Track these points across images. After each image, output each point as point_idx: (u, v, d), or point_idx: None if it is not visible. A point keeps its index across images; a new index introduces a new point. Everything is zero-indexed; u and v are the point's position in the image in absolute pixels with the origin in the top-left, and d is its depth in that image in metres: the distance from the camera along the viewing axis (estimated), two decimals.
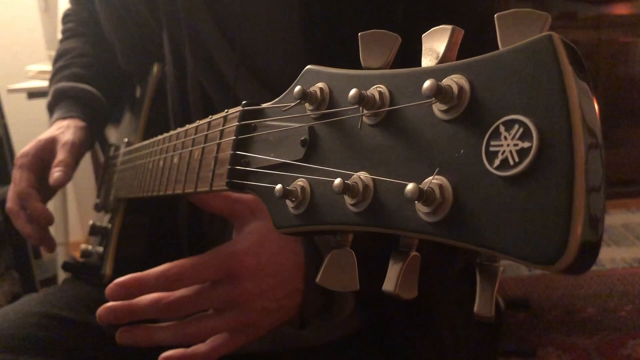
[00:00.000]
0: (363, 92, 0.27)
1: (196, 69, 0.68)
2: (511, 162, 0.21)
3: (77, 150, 0.80)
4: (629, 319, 1.55)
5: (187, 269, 0.47)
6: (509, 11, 0.24)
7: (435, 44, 0.27)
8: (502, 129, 0.22)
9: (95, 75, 0.90)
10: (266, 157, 0.34)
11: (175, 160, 0.51)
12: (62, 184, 0.75)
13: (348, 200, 0.27)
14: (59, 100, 0.86)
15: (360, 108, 0.28)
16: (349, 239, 0.30)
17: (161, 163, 0.56)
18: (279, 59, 0.65)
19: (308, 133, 0.31)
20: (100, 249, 0.82)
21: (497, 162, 0.22)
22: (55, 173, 0.75)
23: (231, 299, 0.48)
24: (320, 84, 0.31)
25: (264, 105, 0.36)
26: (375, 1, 0.58)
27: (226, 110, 0.41)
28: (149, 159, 0.61)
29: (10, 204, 0.79)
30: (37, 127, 2.59)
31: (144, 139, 0.76)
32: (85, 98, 0.87)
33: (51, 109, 0.88)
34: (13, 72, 2.55)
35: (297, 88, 0.31)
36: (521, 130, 0.21)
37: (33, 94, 2.24)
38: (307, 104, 0.31)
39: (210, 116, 0.44)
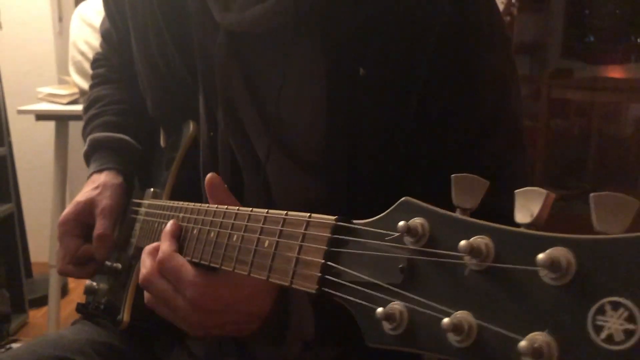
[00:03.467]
0: (472, 243, 0.31)
1: (227, 133, 0.72)
2: (617, 339, 0.26)
3: (115, 215, 0.84)
4: None
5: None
6: (605, 193, 0.29)
7: (529, 203, 0.32)
8: (607, 307, 0.26)
9: (129, 122, 0.93)
10: (359, 274, 0.38)
11: (235, 238, 0.54)
12: (104, 259, 0.82)
13: (451, 336, 0.31)
14: (95, 150, 0.89)
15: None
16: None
17: (212, 235, 0.59)
18: (303, 134, 0.69)
19: (407, 262, 0.35)
20: (104, 286, 0.85)
21: (603, 335, 0.26)
22: (97, 249, 0.81)
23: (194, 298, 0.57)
24: (420, 220, 0.35)
25: (356, 222, 0.40)
26: (391, 88, 0.63)
27: (308, 215, 0.44)
28: (192, 225, 0.63)
29: (62, 265, 0.83)
30: (40, 146, 2.62)
31: (172, 193, 0.80)
32: (121, 147, 0.89)
33: (88, 158, 0.90)
34: (22, 91, 2.57)
35: (402, 223, 0.35)
36: (627, 313, 0.26)
37: (41, 116, 2.26)
38: (407, 237, 0.35)
39: (285, 212, 0.48)
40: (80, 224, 0.82)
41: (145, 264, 0.62)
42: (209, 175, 0.61)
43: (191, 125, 0.81)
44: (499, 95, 0.66)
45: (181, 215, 0.67)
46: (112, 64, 0.99)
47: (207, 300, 0.57)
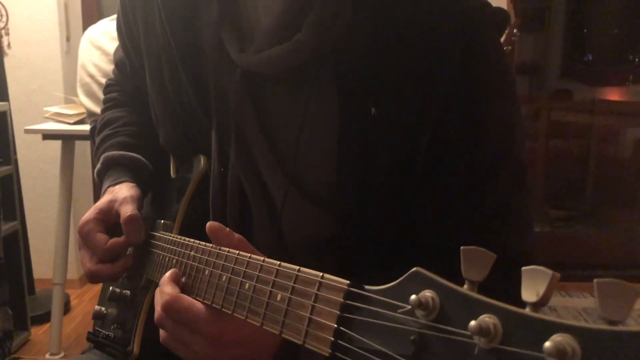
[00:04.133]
0: (481, 324, 0.33)
1: (238, 169, 0.74)
2: None
3: (137, 203, 0.81)
4: None
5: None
6: (608, 281, 0.31)
7: (535, 282, 0.33)
8: None
9: (143, 143, 0.93)
10: (371, 342, 0.39)
11: (247, 287, 0.56)
12: (141, 240, 0.80)
13: None
14: (109, 168, 0.88)
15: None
16: None
17: (224, 278, 0.60)
18: (315, 170, 0.71)
19: (418, 335, 0.37)
20: (112, 311, 0.86)
21: None
22: (130, 231, 0.78)
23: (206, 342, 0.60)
24: (430, 293, 0.37)
25: (368, 288, 0.42)
26: (401, 129, 0.65)
27: (321, 275, 0.46)
28: (203, 266, 0.64)
29: (91, 266, 0.79)
30: (46, 164, 2.64)
31: (182, 226, 0.81)
32: (135, 165, 0.89)
33: (101, 176, 0.89)
34: (29, 109, 2.60)
35: (414, 298, 0.37)
36: None
37: (47, 136, 2.29)
38: (418, 310, 0.37)
39: (298, 268, 0.50)
40: (102, 223, 0.80)
41: (158, 304, 0.64)
42: (208, 224, 0.62)
43: (202, 160, 0.82)
44: (504, 139, 0.68)
45: (192, 253, 0.68)
46: (125, 89, 1.00)
47: (222, 335, 0.59)
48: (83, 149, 2.75)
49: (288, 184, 0.71)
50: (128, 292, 0.85)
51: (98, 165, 0.89)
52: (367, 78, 0.66)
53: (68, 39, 2.69)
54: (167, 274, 0.66)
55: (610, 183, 3.66)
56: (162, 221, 0.84)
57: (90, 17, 2.84)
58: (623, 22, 3.96)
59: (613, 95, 3.86)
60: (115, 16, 2.15)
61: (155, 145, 0.91)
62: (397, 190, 0.67)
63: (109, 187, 0.85)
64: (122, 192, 0.82)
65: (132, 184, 0.85)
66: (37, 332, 2.53)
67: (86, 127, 2.20)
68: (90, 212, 0.81)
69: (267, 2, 0.69)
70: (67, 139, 2.33)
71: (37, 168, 2.71)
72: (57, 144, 2.37)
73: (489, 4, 0.69)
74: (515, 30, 2.23)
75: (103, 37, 1.99)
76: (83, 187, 2.86)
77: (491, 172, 0.67)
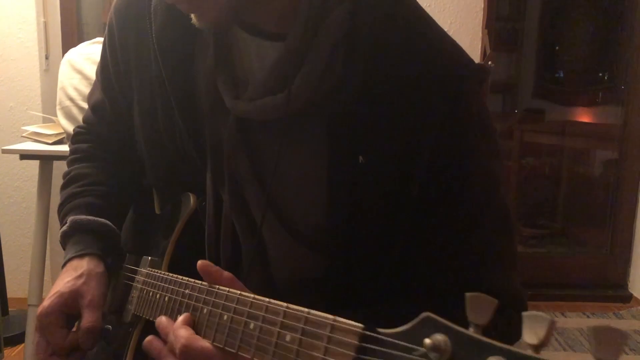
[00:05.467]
0: None
1: (231, 209, 0.76)
2: None
3: (101, 306, 0.82)
4: None
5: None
6: (603, 326, 0.34)
7: (536, 327, 0.37)
8: None
9: (111, 205, 0.92)
10: None
11: (252, 326, 0.57)
12: (91, 349, 0.81)
13: None
14: (76, 232, 0.87)
15: None
16: None
17: (225, 317, 0.61)
18: (303, 211, 0.74)
19: None
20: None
21: None
22: (86, 340, 0.79)
23: None
24: (441, 337, 0.40)
25: (382, 332, 0.44)
26: (388, 178, 0.68)
27: (333, 318, 0.49)
28: (201, 305, 0.66)
29: (44, 357, 0.80)
30: (22, 182, 2.61)
31: (171, 263, 0.82)
32: (103, 232, 0.87)
33: (66, 238, 0.87)
34: (5, 127, 2.57)
35: (428, 341, 0.40)
36: None
37: (25, 156, 2.26)
38: (432, 352, 0.40)
39: (307, 310, 0.52)
40: (64, 315, 0.80)
41: (175, 347, 0.64)
42: (199, 263, 0.65)
43: (191, 199, 0.83)
44: (488, 187, 0.71)
45: (187, 291, 0.69)
46: (98, 138, 0.97)
47: None
48: (61, 169, 2.71)
49: (278, 225, 0.74)
50: (110, 327, 0.84)
51: (64, 228, 0.87)
52: (356, 127, 0.68)
53: (47, 57, 2.67)
54: (181, 318, 0.66)
55: (581, 201, 3.75)
56: (150, 258, 0.84)
57: (70, 35, 2.83)
58: (594, 41, 4.10)
59: (583, 116, 3.97)
60: (96, 40, 2.15)
61: (127, 199, 0.93)
62: (385, 234, 0.70)
63: (73, 258, 0.84)
64: (89, 281, 0.81)
65: (97, 261, 0.84)
66: (11, 354, 2.48)
67: (65, 148, 2.19)
68: (52, 300, 0.79)
69: (261, 53, 0.72)
70: (46, 160, 2.30)
71: (14, 186, 2.67)
72: (34, 163, 2.34)
73: (473, 61, 0.72)
74: (490, 62, 2.30)
75: (84, 62, 1.98)
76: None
77: (477, 219, 0.70)
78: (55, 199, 2.50)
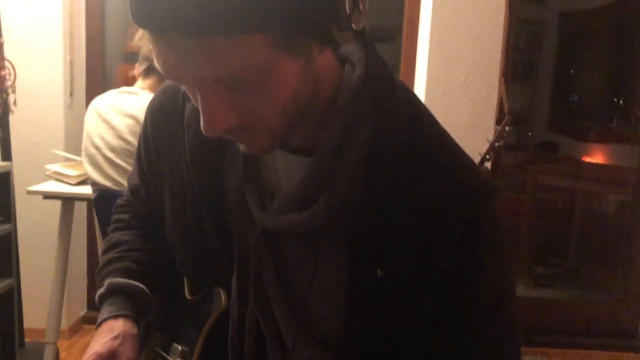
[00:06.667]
0: None
1: (256, 310, 0.80)
2: None
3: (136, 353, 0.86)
4: None
5: None
6: None
7: None
8: None
9: (148, 272, 0.96)
10: None
11: None
12: None
13: None
14: (112, 294, 0.91)
15: None
16: None
17: None
18: (325, 319, 0.77)
19: None
20: None
21: None
22: None
23: None
24: None
25: None
26: (405, 291, 0.72)
27: None
28: None
29: None
30: (44, 219, 2.65)
31: (200, 356, 0.85)
32: (138, 295, 0.92)
33: (102, 300, 0.92)
34: (29, 164, 2.62)
35: None
36: None
37: (49, 196, 2.31)
38: None
39: None
40: None
41: None
42: None
43: (222, 297, 0.86)
44: (498, 300, 0.75)
45: None
46: (136, 212, 1.02)
47: None
48: (81, 208, 2.78)
49: (299, 330, 0.77)
50: None
51: (101, 290, 0.91)
52: (376, 243, 0.72)
53: (71, 94, 2.72)
54: None
55: (593, 243, 3.74)
56: (180, 347, 0.88)
57: (94, 73, 2.89)
58: (608, 73, 4.11)
59: (597, 153, 3.96)
60: (123, 89, 2.19)
61: (162, 272, 0.95)
62: (402, 341, 0.74)
63: (108, 319, 0.87)
64: (125, 342, 0.85)
65: (132, 323, 0.88)
66: None
67: (87, 190, 2.23)
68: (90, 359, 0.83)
69: (288, 166, 0.76)
70: (68, 200, 2.35)
71: (36, 223, 2.72)
72: (56, 202, 2.39)
73: (489, 181, 0.76)
74: (507, 128, 2.32)
75: (112, 111, 2.02)
76: (79, 242, 2.90)
77: (485, 327, 0.74)
78: (74, 236, 2.55)
